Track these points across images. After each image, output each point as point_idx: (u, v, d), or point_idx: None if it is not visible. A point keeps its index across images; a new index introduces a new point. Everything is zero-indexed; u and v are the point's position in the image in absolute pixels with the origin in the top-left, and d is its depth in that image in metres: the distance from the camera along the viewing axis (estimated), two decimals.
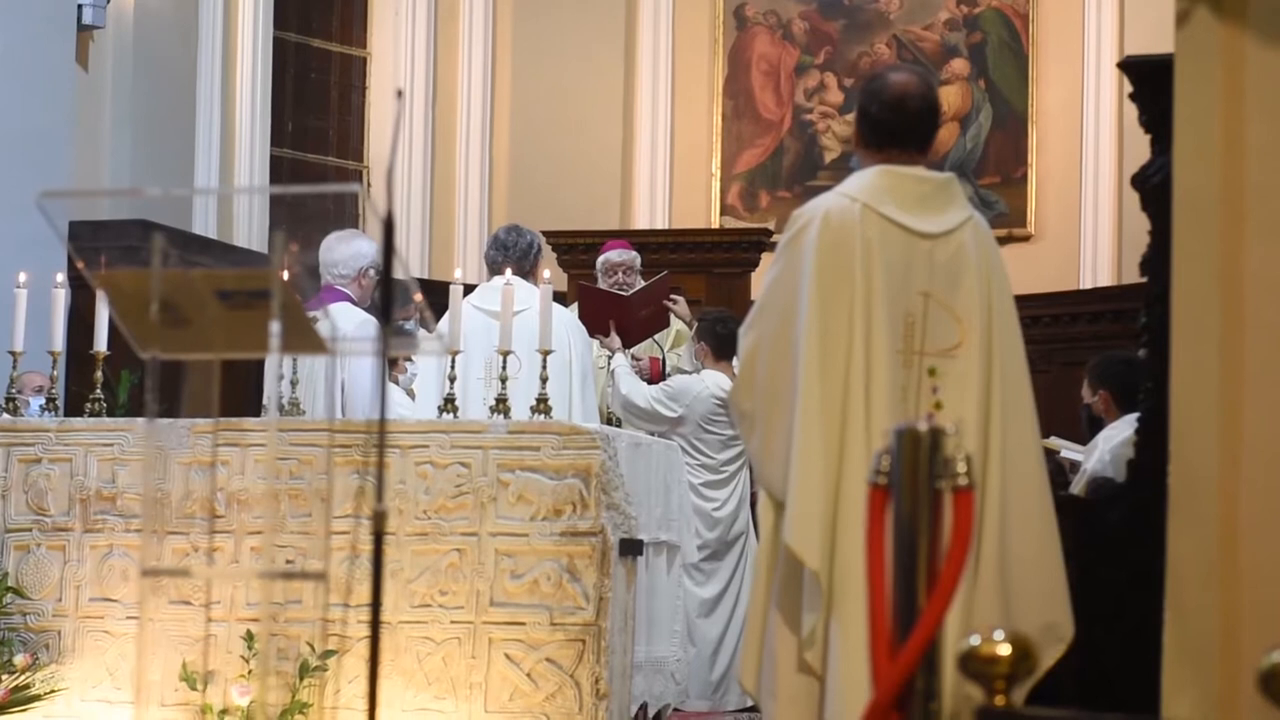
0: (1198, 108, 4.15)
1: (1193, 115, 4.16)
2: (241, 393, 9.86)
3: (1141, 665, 4.38)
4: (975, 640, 3.32)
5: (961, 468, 3.72)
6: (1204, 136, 4.13)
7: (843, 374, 5.04)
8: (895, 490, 3.76)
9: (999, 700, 3.28)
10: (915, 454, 3.73)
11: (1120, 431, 7.70)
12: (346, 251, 8.10)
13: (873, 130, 5.28)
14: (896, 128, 5.24)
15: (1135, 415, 6.61)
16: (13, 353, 7.35)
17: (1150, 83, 6.14)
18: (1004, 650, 3.29)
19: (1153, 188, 6.12)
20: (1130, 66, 6.41)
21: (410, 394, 8.41)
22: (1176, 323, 4.15)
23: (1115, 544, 6.05)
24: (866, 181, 5.21)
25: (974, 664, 3.30)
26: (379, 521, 4.09)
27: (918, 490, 3.72)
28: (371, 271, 8.03)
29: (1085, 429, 8.67)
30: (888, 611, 3.73)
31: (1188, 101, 4.17)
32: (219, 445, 6.84)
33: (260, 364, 8.74)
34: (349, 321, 7.60)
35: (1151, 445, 5.86)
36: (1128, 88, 6.57)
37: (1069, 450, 8.92)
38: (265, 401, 8.27)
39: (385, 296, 4.12)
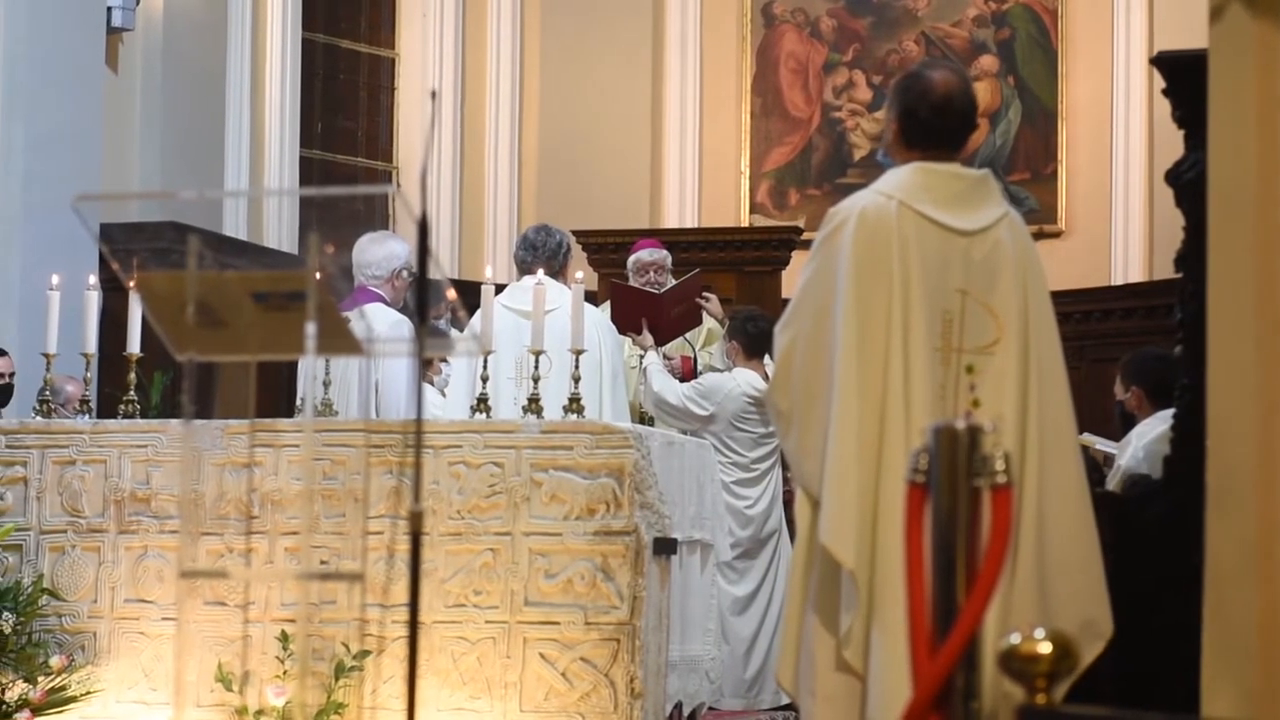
0: (1232, 104, 4.12)
1: (1227, 111, 4.14)
2: (272, 393, 9.88)
3: (1180, 663, 4.36)
4: (1016, 638, 3.30)
5: (1000, 465, 3.71)
6: (1239, 133, 4.10)
7: (880, 372, 5.03)
8: (934, 488, 3.75)
9: (1039, 699, 3.27)
10: (953, 452, 3.73)
11: (1153, 428, 7.68)
12: (380, 253, 8.11)
13: (916, 130, 5.24)
14: (942, 128, 5.22)
15: (1169, 411, 6.59)
16: (45, 355, 7.37)
17: (1183, 78, 6.13)
18: (1045, 648, 3.27)
19: (1186, 184, 6.10)
20: (1163, 62, 6.39)
21: (442, 394, 8.41)
22: (1212, 319, 4.13)
23: (1152, 541, 6.03)
24: (902, 179, 5.19)
25: (1014, 662, 3.29)
26: (416, 522, 4.08)
27: (956, 488, 3.72)
28: (405, 272, 8.04)
29: (1118, 426, 8.65)
30: (927, 610, 3.72)
31: (1222, 98, 4.15)
32: (253, 446, 6.85)
33: (293, 365, 8.75)
34: (383, 322, 7.61)
35: (1188, 441, 5.84)
36: (1158, 82, 6.54)
37: (1103, 444, 8.90)
38: (299, 403, 8.28)
39: (420, 297, 4.11)
